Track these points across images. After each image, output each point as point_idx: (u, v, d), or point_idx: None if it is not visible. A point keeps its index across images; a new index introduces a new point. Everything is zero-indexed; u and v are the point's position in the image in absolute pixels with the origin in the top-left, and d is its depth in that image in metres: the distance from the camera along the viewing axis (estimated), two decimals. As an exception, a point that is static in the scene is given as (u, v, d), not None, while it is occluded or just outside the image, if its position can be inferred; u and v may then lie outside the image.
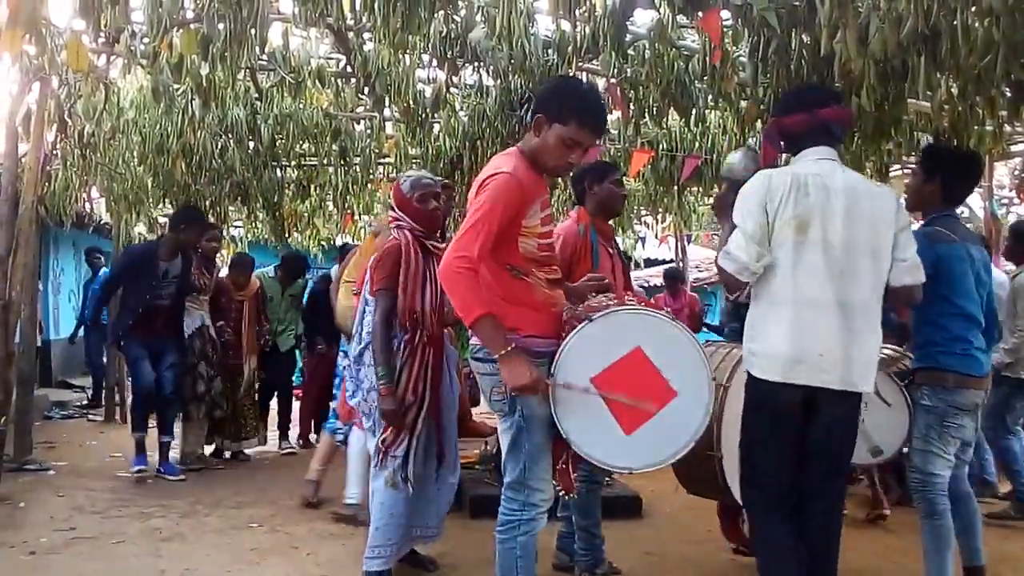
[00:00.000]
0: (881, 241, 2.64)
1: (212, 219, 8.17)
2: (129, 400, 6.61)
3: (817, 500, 2.67)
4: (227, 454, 6.36)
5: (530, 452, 2.59)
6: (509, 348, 2.44)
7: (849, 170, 2.78)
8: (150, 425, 5.69)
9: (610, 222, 3.97)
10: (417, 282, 3.33)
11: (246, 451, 6.44)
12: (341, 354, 4.73)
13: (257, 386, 6.65)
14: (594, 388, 2.52)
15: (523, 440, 2.59)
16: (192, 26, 4.18)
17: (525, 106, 5.40)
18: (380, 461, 3.32)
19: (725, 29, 4.00)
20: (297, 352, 7.53)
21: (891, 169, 5.98)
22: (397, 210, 3.45)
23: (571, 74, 5.38)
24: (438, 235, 3.66)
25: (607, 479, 4.98)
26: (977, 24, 3.05)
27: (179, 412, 5.84)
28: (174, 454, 5.81)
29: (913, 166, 7.25)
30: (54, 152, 5.96)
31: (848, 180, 2.67)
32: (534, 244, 2.62)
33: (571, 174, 3.85)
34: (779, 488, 2.64)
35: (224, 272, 6.83)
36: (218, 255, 6.77)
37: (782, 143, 2.97)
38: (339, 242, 9.53)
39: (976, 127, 3.91)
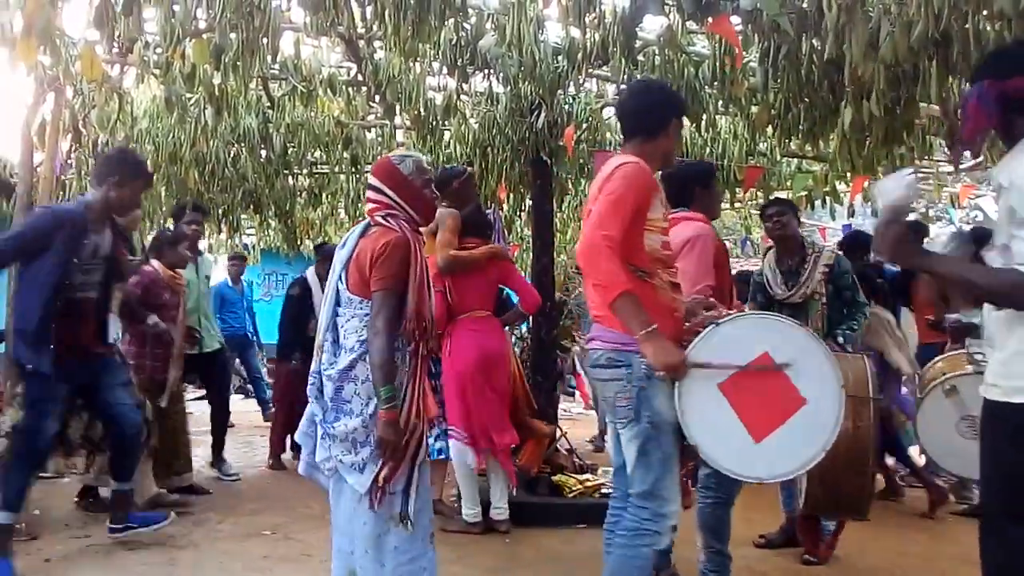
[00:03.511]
0: None
1: (224, 227, 8.21)
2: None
3: None
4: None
5: (661, 460, 2.53)
6: (653, 326, 2.40)
7: None
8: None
9: None
10: (425, 284, 2.81)
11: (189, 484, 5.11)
12: None
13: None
14: (734, 365, 2.46)
15: (652, 448, 2.52)
16: (205, 36, 4.22)
17: (536, 112, 5.41)
18: (378, 500, 2.67)
19: (736, 34, 3.99)
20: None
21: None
22: (393, 194, 2.81)
23: (582, 81, 5.41)
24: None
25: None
26: (988, 27, 3.04)
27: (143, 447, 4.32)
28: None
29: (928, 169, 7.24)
30: (68, 161, 6.01)
31: None
32: (659, 240, 2.57)
33: (670, 176, 3.73)
34: None
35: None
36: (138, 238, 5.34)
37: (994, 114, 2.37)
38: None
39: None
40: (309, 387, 2.81)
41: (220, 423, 5.84)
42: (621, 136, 2.91)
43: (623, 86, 4.75)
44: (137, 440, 4.14)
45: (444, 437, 4.45)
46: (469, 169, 4.91)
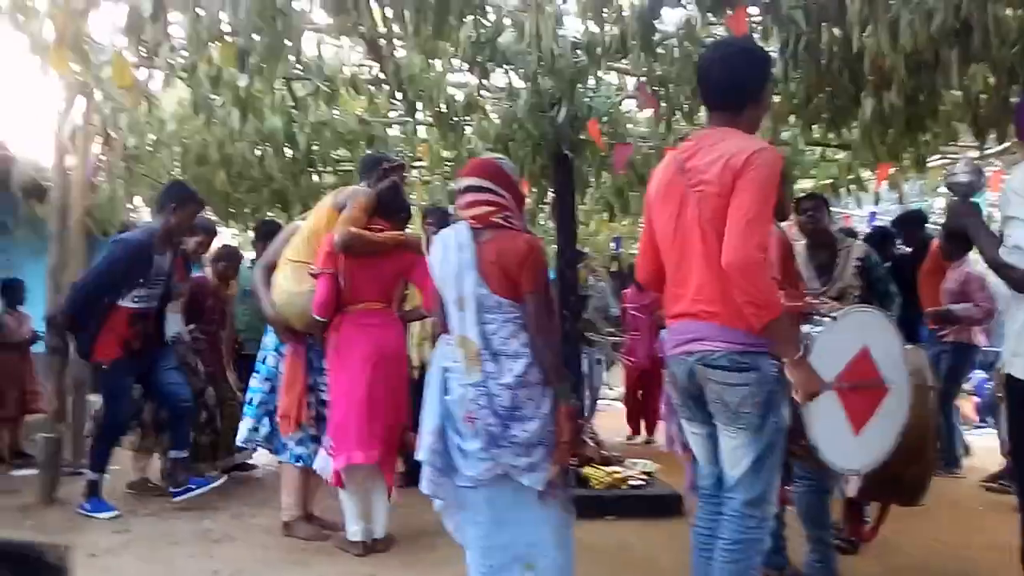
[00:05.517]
0: None
1: (251, 226, 8.33)
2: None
3: None
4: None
5: (774, 466, 2.45)
6: (803, 351, 2.35)
7: None
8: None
9: None
10: None
11: (249, 461, 5.92)
12: (275, 355, 4.24)
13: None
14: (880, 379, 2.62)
15: (771, 455, 2.42)
16: (230, 39, 4.29)
17: (556, 107, 5.43)
18: (551, 495, 2.76)
19: (755, 25, 4.00)
20: None
21: (929, 160, 5.90)
22: (510, 198, 2.83)
23: (601, 75, 5.41)
24: None
25: (649, 476, 5.02)
26: (1009, 14, 3.03)
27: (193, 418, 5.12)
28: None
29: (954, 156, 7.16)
30: (99, 165, 6.13)
31: None
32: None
33: None
34: None
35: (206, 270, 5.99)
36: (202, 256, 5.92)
37: None
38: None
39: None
40: (477, 403, 2.69)
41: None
42: (705, 107, 2.69)
43: (643, 79, 4.76)
44: (188, 411, 4.86)
45: (309, 442, 4.13)
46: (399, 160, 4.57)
